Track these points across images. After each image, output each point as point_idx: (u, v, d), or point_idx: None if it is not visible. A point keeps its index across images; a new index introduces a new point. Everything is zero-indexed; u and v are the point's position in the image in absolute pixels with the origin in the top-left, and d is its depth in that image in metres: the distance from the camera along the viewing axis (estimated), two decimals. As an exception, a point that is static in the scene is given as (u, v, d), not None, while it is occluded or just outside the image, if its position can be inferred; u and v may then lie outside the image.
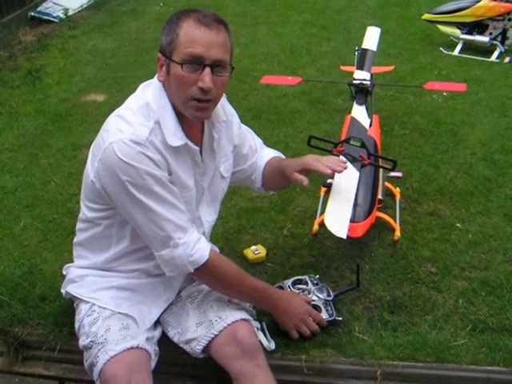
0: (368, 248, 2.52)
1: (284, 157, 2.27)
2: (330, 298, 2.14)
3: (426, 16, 5.01)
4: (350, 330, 2.12)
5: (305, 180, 2.00)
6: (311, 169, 2.02)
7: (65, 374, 2.18)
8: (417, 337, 2.08)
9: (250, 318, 1.96)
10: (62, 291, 2.07)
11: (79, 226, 2.01)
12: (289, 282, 2.20)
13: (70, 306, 2.12)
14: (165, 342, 1.99)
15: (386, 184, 2.79)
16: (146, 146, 1.69)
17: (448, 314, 2.18)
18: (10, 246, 2.69)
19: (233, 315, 1.90)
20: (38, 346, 2.21)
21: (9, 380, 2.18)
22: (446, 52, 4.86)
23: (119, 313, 1.90)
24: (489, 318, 2.16)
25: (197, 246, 1.80)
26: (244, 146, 2.13)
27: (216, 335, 1.87)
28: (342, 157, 2.24)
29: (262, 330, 2.03)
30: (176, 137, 1.76)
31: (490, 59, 4.67)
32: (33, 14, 6.17)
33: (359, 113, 2.77)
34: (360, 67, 3.26)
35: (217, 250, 2.19)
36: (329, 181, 2.49)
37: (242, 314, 1.92)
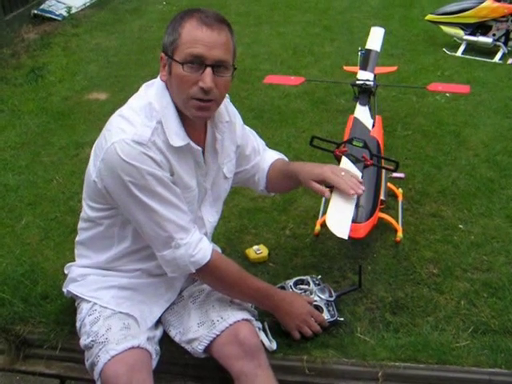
0: (370, 249, 2.52)
1: (287, 159, 2.27)
2: (332, 299, 2.14)
3: (429, 17, 5.00)
4: (352, 330, 2.12)
5: (326, 192, 1.99)
6: (331, 183, 2.00)
7: (66, 372, 2.19)
8: (418, 338, 2.08)
9: (252, 318, 1.95)
10: (64, 290, 2.07)
11: (81, 225, 2.01)
12: (291, 282, 2.20)
13: (71, 304, 2.12)
14: (166, 341, 1.99)
15: (389, 185, 2.79)
16: (148, 146, 1.69)
17: (450, 316, 2.18)
18: (12, 243, 2.69)
19: (235, 315, 1.90)
20: (39, 344, 2.22)
21: (10, 378, 2.17)
22: (449, 53, 4.85)
23: (120, 312, 1.90)
24: (491, 319, 2.15)
25: (199, 247, 1.80)
26: (247, 147, 2.12)
27: (218, 335, 1.87)
28: (344, 157, 2.24)
29: (264, 330, 2.03)
30: (178, 137, 1.75)
31: (493, 60, 4.67)
32: (36, 11, 6.16)
33: (362, 113, 2.76)
34: (363, 68, 3.25)
35: (219, 250, 2.19)
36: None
37: (244, 314, 1.92)
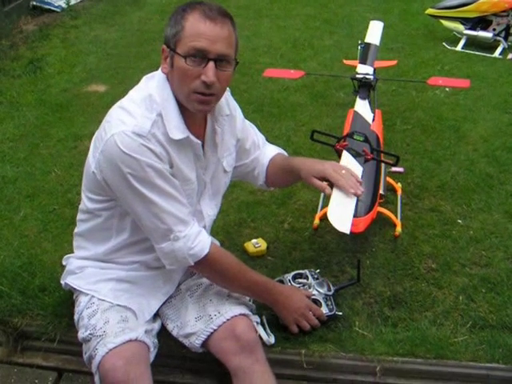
0: (369, 243, 2.52)
1: (286, 154, 2.26)
2: (331, 293, 2.14)
3: (430, 11, 4.98)
4: (350, 324, 2.12)
5: (327, 188, 1.99)
6: (332, 181, 2.00)
7: (64, 365, 2.18)
8: (417, 333, 2.08)
9: (250, 312, 1.95)
10: (62, 282, 2.07)
11: (80, 216, 2.01)
12: (289, 276, 2.20)
13: (69, 297, 2.12)
14: (164, 334, 1.98)
15: (388, 179, 2.79)
16: (148, 138, 1.68)
17: (448, 311, 2.18)
18: (10, 236, 2.68)
19: (232, 310, 1.89)
20: (37, 336, 2.21)
21: (7, 370, 2.17)
22: (448, 47, 4.84)
23: (118, 305, 1.89)
24: (489, 314, 2.15)
25: (197, 239, 1.80)
26: (247, 141, 2.12)
27: (215, 330, 1.86)
28: (345, 151, 2.24)
29: (262, 324, 2.02)
30: (178, 130, 1.74)
31: (493, 55, 4.66)
32: (34, 3, 6.14)
33: (362, 107, 2.76)
34: (363, 61, 3.24)
35: (217, 243, 2.19)
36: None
37: (242, 309, 1.92)
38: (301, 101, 3.93)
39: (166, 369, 2.07)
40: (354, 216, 2.07)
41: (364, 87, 2.99)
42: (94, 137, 1.82)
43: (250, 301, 2.02)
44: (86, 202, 1.93)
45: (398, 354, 2.02)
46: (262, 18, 5.71)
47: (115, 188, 1.75)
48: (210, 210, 2.01)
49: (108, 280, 1.95)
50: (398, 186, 2.84)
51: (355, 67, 3.26)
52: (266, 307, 2.07)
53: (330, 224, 1.99)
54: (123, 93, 1.85)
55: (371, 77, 3.04)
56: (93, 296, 1.92)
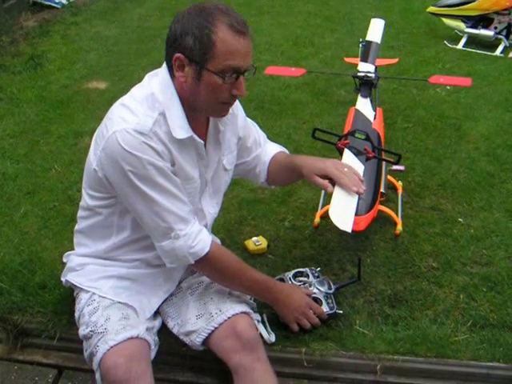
0: (369, 241, 2.52)
1: (288, 152, 2.26)
2: (331, 291, 2.13)
3: (431, 9, 4.97)
4: (351, 323, 2.12)
5: (329, 186, 2.00)
6: (334, 179, 2.01)
7: (64, 362, 2.19)
8: (417, 331, 2.08)
9: (251, 310, 1.95)
10: (62, 279, 2.06)
11: (80, 213, 2.00)
12: (290, 274, 2.20)
13: (69, 294, 2.12)
14: (164, 332, 1.98)
15: (389, 177, 2.79)
16: (149, 136, 1.68)
17: (449, 309, 2.18)
18: (10, 233, 2.68)
19: (233, 308, 1.89)
20: (37, 333, 2.21)
21: (7, 367, 2.17)
22: (450, 45, 4.83)
23: (119, 302, 1.89)
24: (489, 313, 2.15)
25: (198, 238, 1.79)
26: (249, 139, 2.11)
27: (216, 328, 1.86)
28: (346, 149, 2.23)
29: (263, 322, 2.02)
30: (182, 129, 1.74)
31: (494, 53, 4.65)
32: (35, -1, 6.14)
33: (364, 105, 2.75)
34: (364, 59, 3.24)
35: (218, 241, 2.19)
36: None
37: (243, 307, 1.92)
38: (302, 98, 3.92)
39: (166, 366, 2.07)
40: (355, 214, 2.06)
41: (365, 85, 2.99)
42: (95, 134, 1.82)
43: (250, 299, 2.02)
44: (86, 199, 1.92)
45: (399, 353, 2.01)
46: (263, 15, 5.70)
47: (116, 185, 1.75)
48: (211, 208, 2.01)
49: (109, 277, 1.95)
50: (399, 184, 2.84)
51: (356, 65, 3.26)
52: (267, 305, 2.06)
53: (331, 222, 2.00)
54: (124, 90, 1.84)
55: (372, 75, 3.04)
56: (94, 293, 1.92)
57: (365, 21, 4.17)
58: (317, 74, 4.17)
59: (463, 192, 2.84)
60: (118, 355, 1.70)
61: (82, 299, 1.92)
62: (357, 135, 2.29)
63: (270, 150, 2.19)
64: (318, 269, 2.25)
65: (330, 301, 2.11)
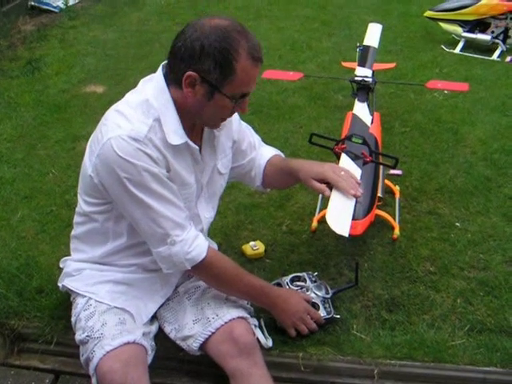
0: (367, 246, 2.52)
1: (283, 155, 2.26)
2: (329, 296, 2.13)
3: (428, 13, 4.99)
4: (348, 328, 2.12)
5: (326, 190, 2.00)
6: (331, 182, 2.01)
7: (60, 367, 2.18)
8: (414, 336, 2.08)
9: (248, 315, 1.94)
10: (59, 285, 2.06)
11: (76, 219, 2.00)
12: (287, 278, 2.19)
13: (66, 299, 2.11)
14: (161, 337, 1.98)
15: (386, 182, 2.79)
16: (144, 142, 1.67)
17: (446, 314, 2.18)
18: (7, 237, 2.68)
19: (230, 313, 1.89)
20: (34, 338, 2.20)
21: (4, 372, 2.16)
22: (447, 50, 4.84)
23: (116, 307, 1.89)
24: (487, 318, 2.15)
25: (194, 244, 1.79)
26: (243, 142, 2.11)
27: (213, 333, 1.86)
28: (343, 154, 2.24)
29: (260, 327, 2.01)
30: (177, 135, 1.74)
31: (491, 58, 4.66)
32: (33, 3, 6.13)
33: (361, 110, 2.76)
34: (362, 64, 3.24)
35: (215, 246, 2.19)
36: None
37: (240, 312, 1.91)
38: (299, 103, 3.93)
39: (163, 371, 2.06)
40: (353, 219, 2.06)
41: (363, 90, 2.99)
42: (90, 139, 1.82)
43: (248, 304, 2.01)
44: (82, 205, 1.92)
45: (396, 358, 2.01)
46: (261, 19, 5.71)
47: (112, 192, 1.75)
48: (207, 212, 2.01)
49: (105, 282, 1.94)
50: (397, 188, 2.84)
51: (354, 69, 3.26)
52: (264, 310, 2.06)
53: (329, 227, 1.99)
54: (121, 94, 1.84)
55: (370, 79, 3.04)
56: (90, 298, 1.91)
57: (362, 25, 4.18)
58: (314, 78, 4.17)
59: (460, 196, 2.84)
60: (115, 360, 1.70)
61: (79, 304, 1.92)
62: (354, 140, 2.29)
63: (265, 153, 2.19)
64: (316, 273, 2.25)
65: (327, 305, 2.11)
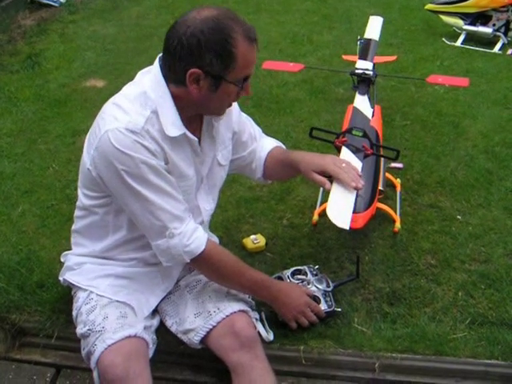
0: (368, 239, 2.51)
1: (284, 147, 2.26)
2: (330, 289, 2.13)
3: (429, 6, 4.96)
4: (349, 321, 2.12)
5: (327, 183, 2.00)
6: (332, 175, 2.01)
7: (62, 361, 2.18)
8: (416, 329, 2.08)
9: (249, 309, 1.95)
10: (60, 278, 2.06)
11: (77, 213, 2.00)
12: (288, 272, 2.19)
13: (67, 293, 2.12)
14: (162, 330, 1.98)
15: (387, 175, 2.78)
16: (141, 134, 1.67)
17: (447, 307, 2.18)
18: (8, 231, 2.68)
19: (231, 306, 1.89)
20: (35, 332, 2.21)
21: (5, 366, 2.16)
22: (448, 43, 4.82)
23: (117, 301, 1.89)
24: (488, 311, 2.15)
25: (193, 236, 1.79)
26: (244, 133, 2.11)
27: (214, 326, 1.86)
28: (344, 147, 2.23)
29: (261, 320, 2.02)
30: (174, 127, 1.73)
31: (492, 51, 4.64)
32: (33, -3, 6.12)
33: (362, 103, 2.75)
34: (362, 57, 3.23)
35: (216, 239, 2.19)
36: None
37: (241, 306, 1.92)
38: (300, 96, 3.91)
39: (164, 365, 2.07)
40: (354, 212, 2.06)
41: (363, 83, 2.98)
42: (88, 133, 1.81)
43: (249, 297, 2.01)
44: (82, 199, 1.92)
45: (397, 351, 2.01)
46: (261, 13, 5.68)
47: (110, 185, 1.74)
48: (208, 204, 2.00)
49: (106, 276, 1.94)
50: (398, 181, 2.83)
51: (354, 62, 3.25)
52: (265, 304, 2.06)
53: (329, 220, 1.99)
54: (121, 88, 1.83)
55: (371, 72, 3.03)
56: (91, 292, 1.92)
57: (363, 18, 4.16)
58: (315, 72, 4.15)
59: (461, 189, 2.84)
60: (116, 354, 1.70)
61: (80, 298, 1.92)
62: (354, 132, 2.29)
63: (266, 145, 2.19)
64: (317, 267, 2.24)
65: (328, 299, 2.11)
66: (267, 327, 2.02)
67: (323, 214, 2.56)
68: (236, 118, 2.05)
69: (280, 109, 3.73)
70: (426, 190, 2.85)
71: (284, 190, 2.86)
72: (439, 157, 3.12)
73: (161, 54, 1.76)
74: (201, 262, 1.84)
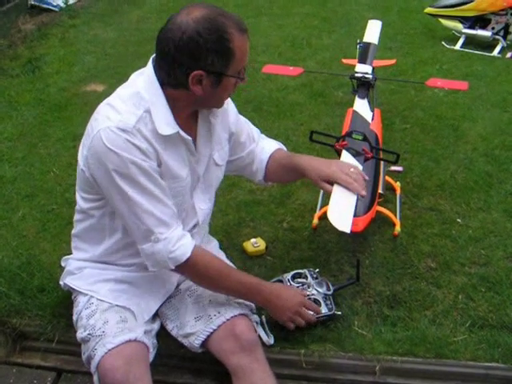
0: (368, 242, 2.52)
1: (285, 148, 2.25)
2: (330, 292, 2.13)
3: (429, 10, 4.97)
4: (350, 324, 2.12)
5: None
6: (342, 184, 1.99)
7: (62, 365, 2.18)
8: (416, 332, 2.08)
9: (249, 312, 1.95)
10: (61, 283, 2.06)
11: (75, 217, 2.01)
12: (288, 275, 2.19)
13: (68, 297, 2.11)
14: (163, 334, 1.98)
15: (387, 178, 2.78)
16: (132, 133, 1.67)
17: (447, 310, 2.18)
18: (9, 236, 2.68)
19: (232, 310, 1.89)
20: (35, 336, 2.21)
21: (6, 371, 2.17)
22: (447, 46, 4.83)
23: (117, 305, 1.89)
24: (488, 314, 2.15)
25: (179, 243, 1.76)
26: (242, 134, 2.10)
27: (215, 330, 1.86)
28: (344, 151, 2.23)
29: (262, 324, 2.02)
30: (168, 125, 1.73)
31: (491, 54, 4.65)
32: (33, 2, 6.11)
33: (361, 106, 2.75)
34: (362, 60, 3.23)
35: (216, 243, 2.19)
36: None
37: (241, 309, 1.92)
38: (300, 100, 3.92)
39: (165, 368, 2.07)
40: (354, 215, 2.06)
41: (363, 86, 2.98)
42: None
43: (249, 301, 2.01)
44: (79, 202, 1.93)
45: (398, 354, 2.01)
46: (261, 17, 5.70)
47: (101, 184, 1.74)
48: (203, 203, 1.99)
49: (106, 280, 1.94)
50: (397, 185, 2.84)
51: (354, 66, 3.26)
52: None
53: (329, 223, 1.99)
54: (119, 90, 1.84)
55: (370, 76, 3.03)
56: (92, 296, 1.92)
57: (363, 22, 4.16)
58: (314, 75, 4.16)
59: (461, 192, 2.84)
60: (116, 358, 1.70)
61: (80, 302, 1.92)
62: (354, 136, 2.29)
63: (267, 147, 2.18)
64: (317, 270, 2.25)
65: (328, 302, 2.11)
66: (268, 331, 2.02)
67: (323, 218, 2.56)
68: (233, 119, 2.05)
69: (280, 112, 3.74)
70: (425, 193, 2.85)
71: (284, 194, 2.86)
72: (439, 160, 3.13)
73: (154, 56, 1.77)
74: (186, 269, 1.82)
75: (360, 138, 2.29)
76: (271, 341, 1.99)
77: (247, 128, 2.14)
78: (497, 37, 4.74)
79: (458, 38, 4.87)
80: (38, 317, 2.22)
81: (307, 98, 3.94)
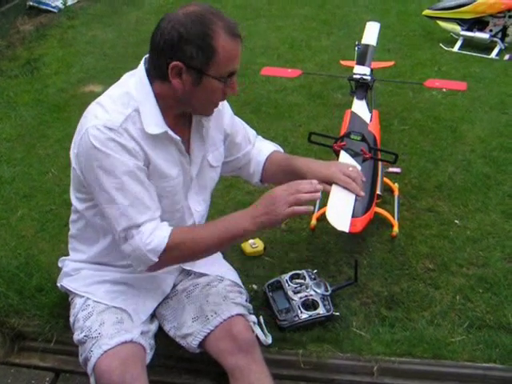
0: (366, 243, 2.52)
1: (282, 150, 2.25)
2: (328, 293, 2.14)
3: (427, 12, 4.98)
4: (348, 325, 2.12)
5: None
6: (342, 185, 1.94)
7: (60, 365, 2.19)
8: (414, 333, 2.08)
9: (247, 312, 1.94)
10: (58, 285, 2.06)
11: (71, 217, 2.01)
12: (286, 276, 2.20)
13: (66, 297, 2.11)
14: (161, 335, 1.98)
15: (385, 179, 2.79)
16: (119, 132, 1.66)
17: (445, 311, 2.19)
18: (7, 236, 2.68)
19: (229, 310, 1.88)
20: (34, 337, 2.22)
21: (4, 371, 2.17)
22: (445, 48, 4.84)
23: (114, 307, 1.88)
24: (486, 314, 2.16)
25: (153, 234, 1.70)
26: (237, 135, 2.09)
27: (212, 330, 1.86)
28: (343, 151, 2.23)
29: (259, 324, 2.01)
30: (156, 125, 1.72)
31: (489, 56, 4.66)
32: (31, 3, 6.12)
33: (360, 108, 2.75)
34: (360, 62, 3.24)
35: None
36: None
37: (239, 309, 1.91)
38: (298, 101, 3.93)
39: (163, 369, 2.07)
40: (352, 216, 2.06)
41: (361, 88, 2.99)
42: None
43: (246, 301, 2.01)
44: (74, 203, 1.94)
45: (396, 354, 2.02)
46: (260, 18, 5.70)
47: (88, 181, 1.74)
48: (198, 205, 1.98)
49: (103, 282, 1.94)
50: (395, 186, 2.84)
51: (352, 68, 3.26)
52: (263, 307, 2.06)
53: (328, 224, 1.97)
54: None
55: (368, 77, 3.04)
56: (88, 298, 1.91)
57: (361, 24, 4.16)
58: (313, 77, 4.17)
59: (459, 194, 2.85)
60: (112, 359, 1.70)
61: (77, 304, 1.92)
62: (352, 137, 2.29)
63: (264, 149, 2.16)
64: (315, 271, 2.25)
65: (326, 303, 2.12)
66: (265, 331, 2.02)
67: (321, 219, 2.57)
68: (228, 121, 2.04)
69: (278, 114, 3.75)
70: (423, 194, 2.86)
71: (282, 195, 2.86)
72: (437, 161, 3.14)
73: (146, 56, 1.78)
74: (170, 256, 1.73)
75: (358, 138, 2.29)
76: (269, 340, 1.99)
77: (243, 129, 2.13)
78: (495, 39, 4.75)
79: (456, 40, 4.88)
80: (37, 317, 2.22)
81: (306, 100, 3.94)
